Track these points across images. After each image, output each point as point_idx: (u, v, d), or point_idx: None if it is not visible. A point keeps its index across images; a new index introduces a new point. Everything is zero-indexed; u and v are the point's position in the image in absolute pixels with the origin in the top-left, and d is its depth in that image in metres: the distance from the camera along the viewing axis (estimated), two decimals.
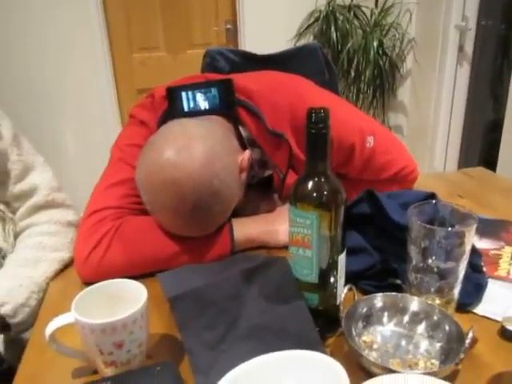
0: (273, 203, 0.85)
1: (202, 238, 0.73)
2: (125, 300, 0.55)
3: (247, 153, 0.75)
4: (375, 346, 0.57)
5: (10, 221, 0.81)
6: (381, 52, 2.66)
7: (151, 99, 0.82)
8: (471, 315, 0.63)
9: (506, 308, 0.63)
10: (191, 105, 0.78)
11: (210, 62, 1.02)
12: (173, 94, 0.77)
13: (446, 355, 0.54)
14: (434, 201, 0.63)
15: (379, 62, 2.65)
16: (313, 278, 0.57)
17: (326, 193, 0.54)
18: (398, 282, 0.65)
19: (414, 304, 0.59)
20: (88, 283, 0.64)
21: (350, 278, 0.62)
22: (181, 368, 0.54)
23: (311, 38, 2.77)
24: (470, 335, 0.52)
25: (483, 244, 0.79)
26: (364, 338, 0.57)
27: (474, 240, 0.57)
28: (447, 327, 0.56)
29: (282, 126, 0.79)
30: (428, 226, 0.56)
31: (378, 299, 0.60)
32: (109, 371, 0.53)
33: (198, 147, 0.67)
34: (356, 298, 0.61)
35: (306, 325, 0.56)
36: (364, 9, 2.76)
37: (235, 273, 0.61)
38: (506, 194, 1.01)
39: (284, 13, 2.70)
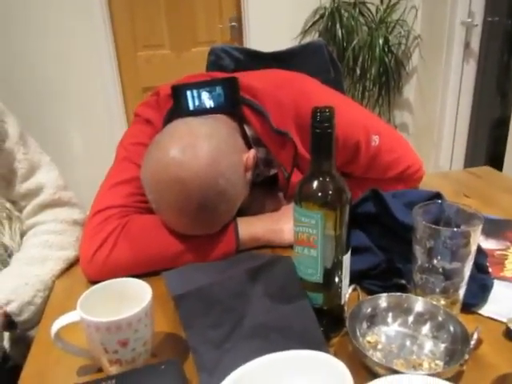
0: (278, 202, 0.85)
1: (207, 237, 0.73)
2: (130, 299, 0.56)
3: (252, 151, 0.75)
4: (379, 347, 0.57)
5: (16, 219, 0.81)
6: (386, 49, 2.65)
7: (156, 97, 0.82)
8: (476, 316, 0.62)
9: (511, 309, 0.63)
10: (196, 103, 0.77)
11: (215, 59, 1.02)
12: (178, 92, 0.77)
13: (451, 356, 0.53)
14: (439, 200, 0.63)
15: (385, 59, 2.64)
16: (317, 277, 0.57)
17: (330, 192, 0.54)
18: (403, 282, 0.65)
19: (419, 304, 0.59)
20: (93, 282, 0.65)
21: (355, 278, 0.62)
22: (185, 366, 0.55)
23: (316, 35, 2.75)
24: (475, 336, 0.52)
25: (489, 244, 0.78)
26: (368, 338, 0.57)
27: (479, 240, 0.57)
28: (452, 328, 0.56)
29: (286, 123, 0.79)
30: (433, 226, 0.55)
31: (383, 299, 0.60)
32: (113, 369, 0.53)
33: (203, 146, 0.67)
34: (360, 298, 0.61)
35: (310, 324, 0.56)
36: (369, 5, 2.74)
37: (240, 272, 0.61)
38: None
39: (289, 10, 2.68)
